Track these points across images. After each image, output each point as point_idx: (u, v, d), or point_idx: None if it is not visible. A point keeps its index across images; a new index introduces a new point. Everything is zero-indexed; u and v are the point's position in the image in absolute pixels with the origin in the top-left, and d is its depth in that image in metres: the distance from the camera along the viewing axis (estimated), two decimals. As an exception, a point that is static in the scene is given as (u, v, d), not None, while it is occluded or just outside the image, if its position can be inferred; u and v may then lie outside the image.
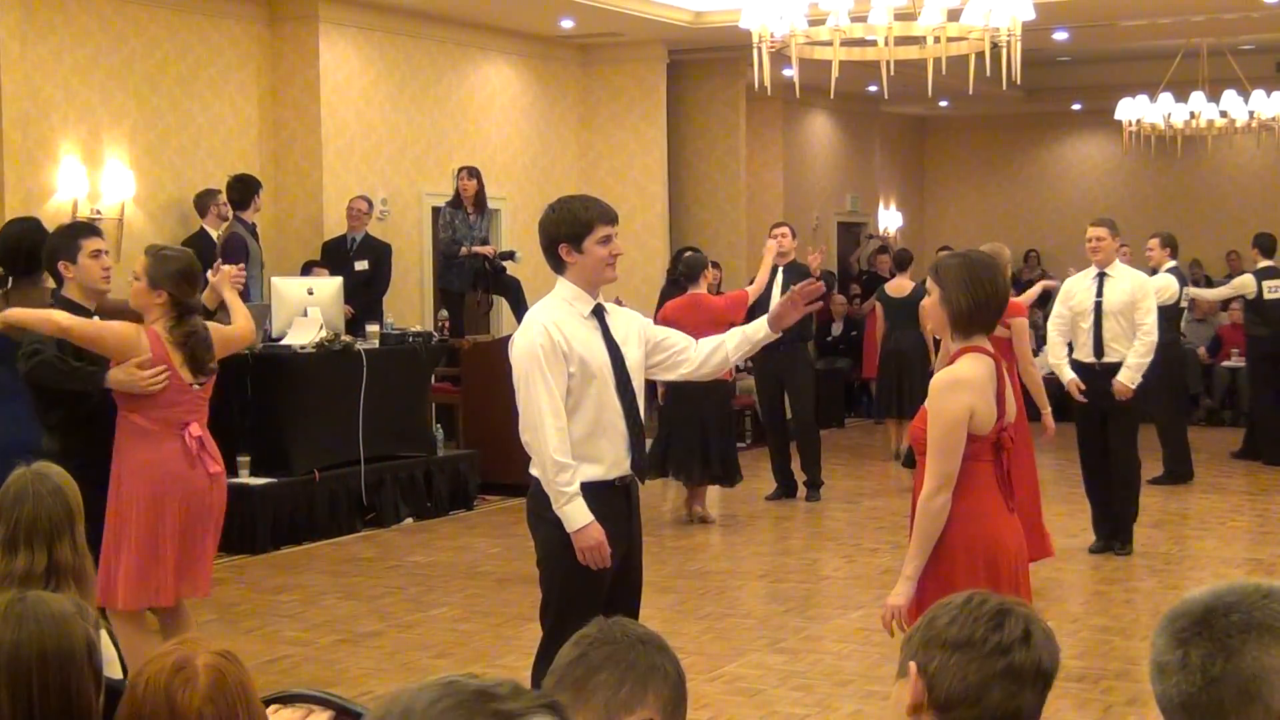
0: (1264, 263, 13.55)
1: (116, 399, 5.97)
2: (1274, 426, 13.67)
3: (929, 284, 4.79)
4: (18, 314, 6.07)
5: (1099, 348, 9.33)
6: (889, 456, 14.61)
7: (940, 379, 4.74)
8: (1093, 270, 9.48)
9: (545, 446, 4.90)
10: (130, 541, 5.87)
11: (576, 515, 4.89)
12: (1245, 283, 13.64)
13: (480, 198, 13.01)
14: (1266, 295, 13.40)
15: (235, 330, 6.41)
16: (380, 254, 12.73)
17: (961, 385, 4.61)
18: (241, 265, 6.92)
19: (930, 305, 4.74)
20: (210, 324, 6.17)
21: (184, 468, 5.98)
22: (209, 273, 6.70)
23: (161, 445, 5.95)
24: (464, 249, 12.77)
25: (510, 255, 12.97)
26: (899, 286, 14.10)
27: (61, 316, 5.94)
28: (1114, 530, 9.52)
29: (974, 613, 2.33)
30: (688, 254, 11.72)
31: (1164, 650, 2.04)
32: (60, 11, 11.17)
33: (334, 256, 12.44)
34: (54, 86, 11.11)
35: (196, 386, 6.05)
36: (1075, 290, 9.55)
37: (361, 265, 12.46)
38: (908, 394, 13.68)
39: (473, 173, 13.02)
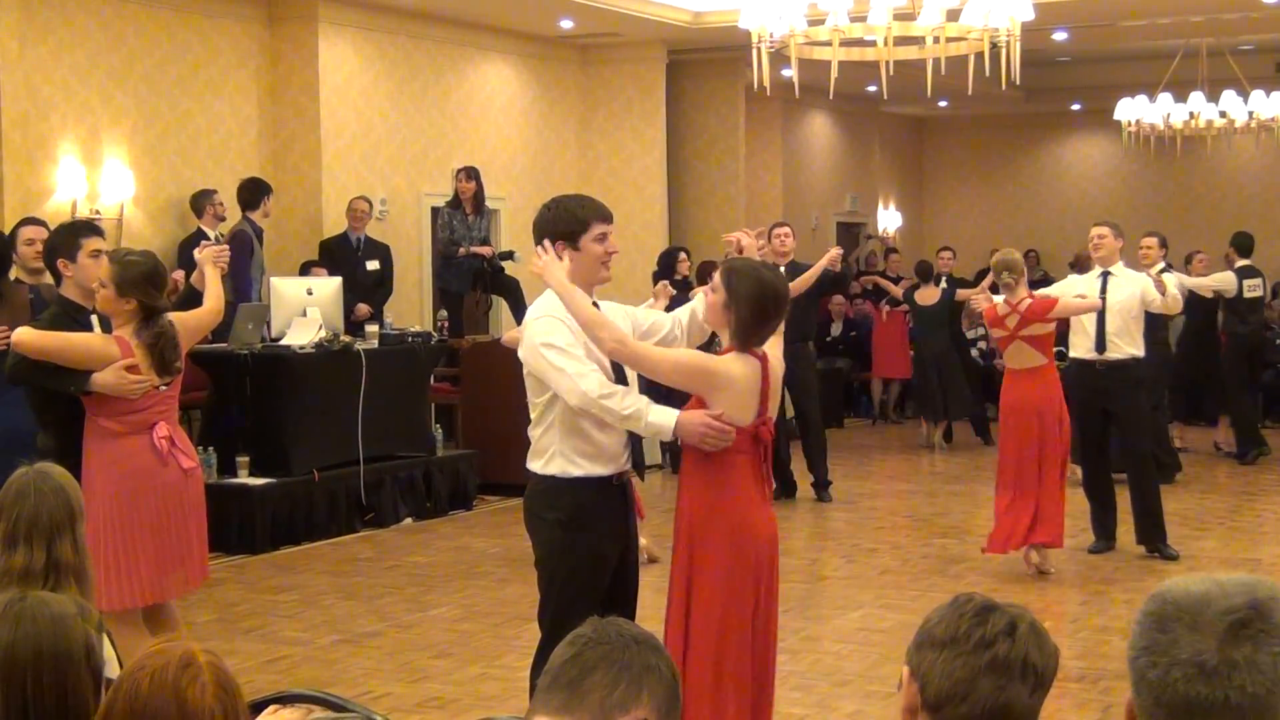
0: (1242, 262, 13.69)
1: (85, 403, 5.97)
2: (1250, 422, 13.99)
3: (716, 282, 4.91)
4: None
5: (1101, 343, 9.35)
6: (920, 446, 15.51)
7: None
8: (1096, 269, 9.51)
9: (592, 390, 4.81)
10: (106, 542, 5.86)
11: (662, 419, 4.80)
12: (1228, 280, 13.67)
13: (479, 198, 13.02)
14: (1246, 294, 13.56)
15: (200, 315, 6.38)
16: (385, 254, 12.78)
17: (717, 375, 4.80)
18: (225, 247, 6.91)
19: (714, 304, 4.90)
20: (174, 315, 6.16)
21: (154, 464, 5.98)
22: (195, 251, 6.72)
23: (129, 445, 5.97)
24: (462, 249, 12.77)
25: (509, 255, 12.97)
26: (926, 295, 15.28)
27: (26, 334, 5.94)
28: (1148, 535, 9.50)
29: (960, 610, 2.35)
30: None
31: (1213, 650, 1.94)
32: (59, 12, 11.17)
33: (339, 256, 12.41)
34: (53, 86, 11.11)
35: (163, 387, 6.04)
36: (1079, 288, 9.54)
37: (373, 265, 12.49)
38: (952, 394, 15.20)
39: (471, 173, 13.03)
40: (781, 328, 5.24)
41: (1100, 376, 9.33)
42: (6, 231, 8.28)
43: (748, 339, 4.86)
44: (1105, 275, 9.42)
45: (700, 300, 5.21)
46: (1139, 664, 2.02)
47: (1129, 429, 9.47)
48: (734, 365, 4.82)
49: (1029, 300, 8.88)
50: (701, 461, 4.89)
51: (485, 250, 12.88)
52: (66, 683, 2.63)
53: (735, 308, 4.82)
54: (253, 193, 11.92)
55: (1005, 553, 9.02)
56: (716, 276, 4.93)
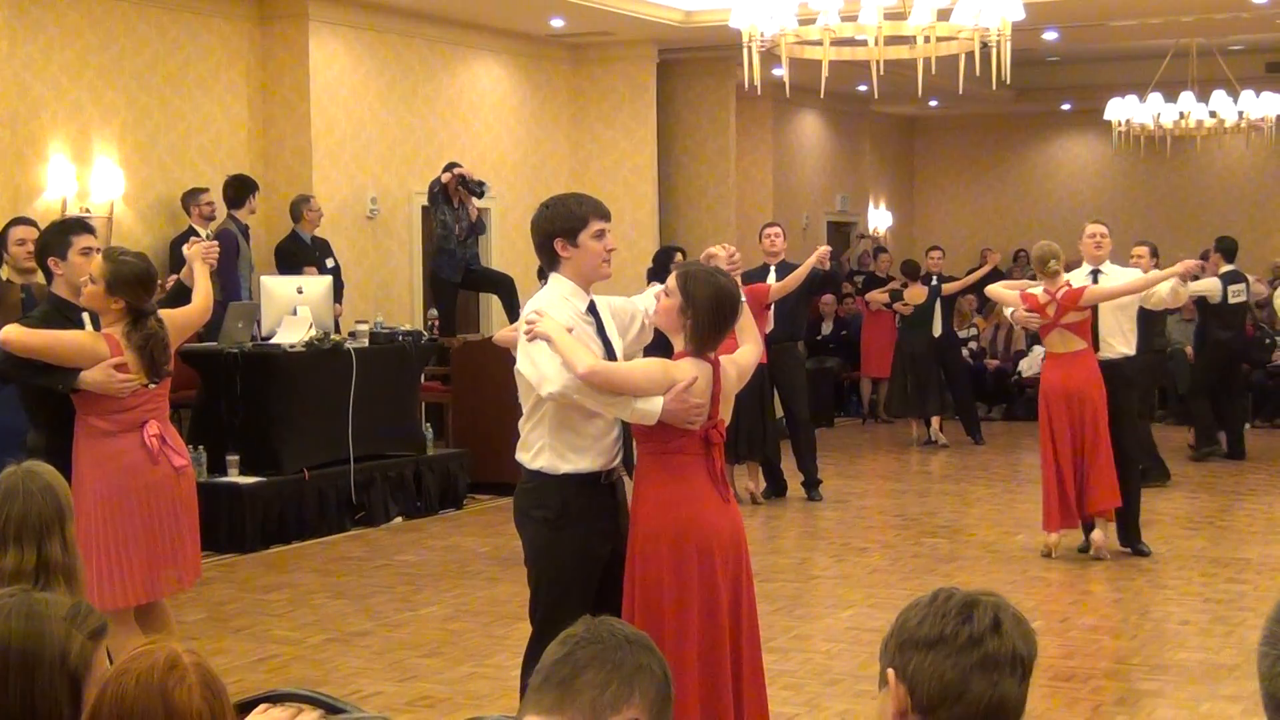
0: (1226, 267, 13.61)
1: (75, 401, 5.96)
2: (1210, 423, 14.01)
3: (670, 287, 4.92)
4: None
5: (1094, 343, 9.34)
6: (909, 444, 15.56)
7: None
8: (1087, 268, 9.50)
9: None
10: (96, 541, 5.85)
11: (649, 405, 4.78)
12: (1212, 286, 13.48)
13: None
14: (1230, 299, 13.49)
15: (189, 312, 6.37)
16: (331, 252, 12.66)
17: (676, 381, 4.76)
18: (215, 243, 6.88)
19: (668, 308, 4.91)
20: (164, 313, 6.14)
21: (144, 462, 5.97)
22: (185, 247, 6.71)
23: (120, 443, 5.95)
24: (446, 176, 12.63)
25: (481, 184, 12.82)
26: (913, 294, 15.34)
27: (12, 332, 5.93)
28: (1126, 533, 9.53)
29: (941, 609, 2.33)
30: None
31: None
32: (50, 9, 11.14)
33: (301, 257, 12.17)
34: (43, 84, 11.09)
35: (152, 385, 6.03)
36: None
37: (331, 263, 12.41)
38: (930, 390, 15.31)
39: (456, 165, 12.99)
40: (755, 330, 5.25)
41: None
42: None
43: (703, 344, 4.88)
44: (1095, 273, 9.41)
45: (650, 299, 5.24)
46: (1259, 653, 1.99)
47: (1116, 428, 9.43)
48: (690, 370, 4.83)
49: (1066, 288, 9.09)
50: (655, 464, 4.91)
51: (466, 171, 12.71)
52: (34, 685, 2.57)
53: (692, 313, 4.83)
54: (238, 191, 11.86)
55: (1070, 528, 9.34)
56: (672, 281, 4.93)
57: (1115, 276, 9.40)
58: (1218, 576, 9.07)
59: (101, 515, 5.89)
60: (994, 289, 9.86)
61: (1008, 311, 9.73)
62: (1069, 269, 9.49)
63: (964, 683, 2.28)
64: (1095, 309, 9.31)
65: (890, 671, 2.33)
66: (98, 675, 2.64)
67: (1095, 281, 9.34)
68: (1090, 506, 9.26)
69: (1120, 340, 9.44)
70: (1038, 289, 9.23)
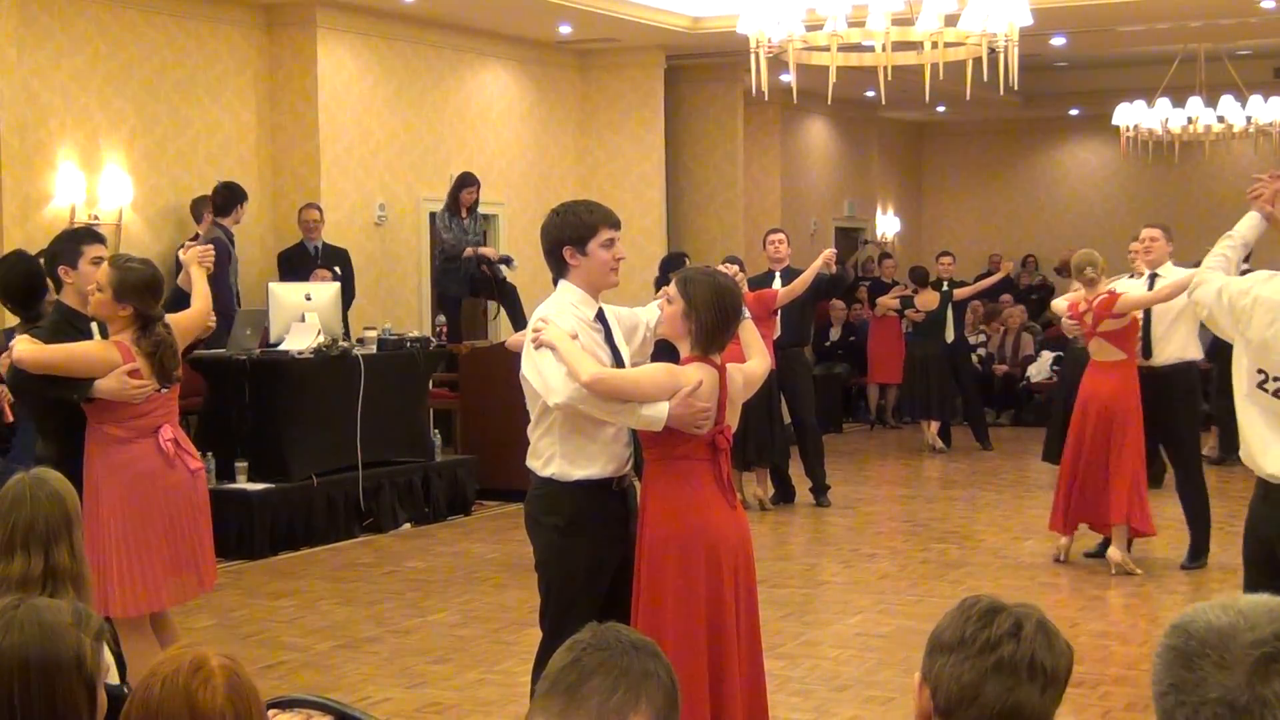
0: None
1: (87, 410, 5.96)
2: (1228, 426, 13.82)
3: (673, 293, 4.93)
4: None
5: (1147, 348, 9.23)
6: (918, 449, 15.59)
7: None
8: (1145, 272, 9.28)
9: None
10: (116, 547, 5.86)
11: (655, 411, 4.77)
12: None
13: (476, 202, 12.99)
14: None
15: (190, 316, 6.37)
16: (344, 261, 12.62)
17: (683, 387, 4.76)
18: (210, 246, 6.87)
19: (672, 315, 4.93)
20: (169, 318, 6.15)
21: (161, 466, 5.98)
22: (180, 252, 6.71)
23: (136, 449, 5.96)
24: (468, 250, 12.66)
25: (507, 261, 12.89)
26: (925, 300, 15.36)
27: (27, 351, 5.92)
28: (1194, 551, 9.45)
29: (966, 614, 2.35)
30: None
31: (1243, 688, 1.88)
32: (58, 17, 11.17)
33: (296, 264, 12.21)
34: (51, 92, 11.12)
35: (163, 391, 6.04)
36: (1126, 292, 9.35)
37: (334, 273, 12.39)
38: (935, 396, 15.37)
39: (476, 181, 12.95)
40: (761, 344, 5.24)
41: (1146, 381, 9.07)
42: (6, 239, 8.28)
43: (709, 345, 4.89)
44: (1153, 277, 9.20)
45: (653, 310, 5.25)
46: (1166, 702, 1.97)
47: (1176, 440, 9.28)
48: (695, 374, 4.83)
49: (1105, 295, 9.01)
50: (662, 470, 4.92)
51: (490, 252, 12.79)
52: (56, 692, 2.60)
53: (696, 315, 4.85)
54: (227, 198, 11.57)
55: (1067, 533, 9.30)
56: (672, 287, 4.95)
57: (1171, 279, 9.15)
58: (1228, 583, 9.02)
59: (121, 522, 5.89)
60: (1055, 304, 9.83)
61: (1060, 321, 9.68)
62: (1065, 275, 9.43)
63: (978, 685, 2.29)
64: (1148, 315, 9.23)
65: (917, 675, 2.35)
66: (104, 678, 2.67)
67: (1152, 285, 9.16)
68: (1098, 519, 9.16)
69: (1176, 346, 9.22)
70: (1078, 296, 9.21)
